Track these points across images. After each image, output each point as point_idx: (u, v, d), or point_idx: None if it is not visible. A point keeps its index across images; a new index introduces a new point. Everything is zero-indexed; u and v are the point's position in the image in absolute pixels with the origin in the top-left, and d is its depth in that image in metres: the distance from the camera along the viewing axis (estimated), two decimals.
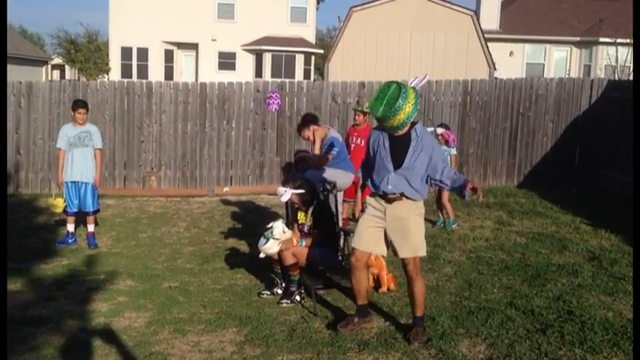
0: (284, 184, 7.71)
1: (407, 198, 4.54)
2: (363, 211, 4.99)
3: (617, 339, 4.59)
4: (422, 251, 4.64)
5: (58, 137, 7.61)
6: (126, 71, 28.10)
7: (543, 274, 6.20)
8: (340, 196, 6.74)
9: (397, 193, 4.52)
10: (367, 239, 4.69)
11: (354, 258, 4.73)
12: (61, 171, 7.48)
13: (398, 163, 4.50)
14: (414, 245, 4.58)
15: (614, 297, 5.53)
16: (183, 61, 29.65)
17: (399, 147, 4.50)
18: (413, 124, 4.50)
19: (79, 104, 7.54)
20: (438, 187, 8.35)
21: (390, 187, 4.52)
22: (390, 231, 4.62)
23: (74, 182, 7.45)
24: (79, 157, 7.40)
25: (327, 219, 5.80)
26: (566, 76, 21.63)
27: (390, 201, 4.56)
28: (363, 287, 4.85)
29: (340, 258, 5.73)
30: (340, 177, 6.43)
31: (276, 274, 5.67)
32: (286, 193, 5.48)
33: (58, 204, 7.58)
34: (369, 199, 4.73)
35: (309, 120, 6.79)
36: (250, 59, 28.57)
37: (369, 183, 4.73)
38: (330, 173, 6.39)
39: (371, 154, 4.69)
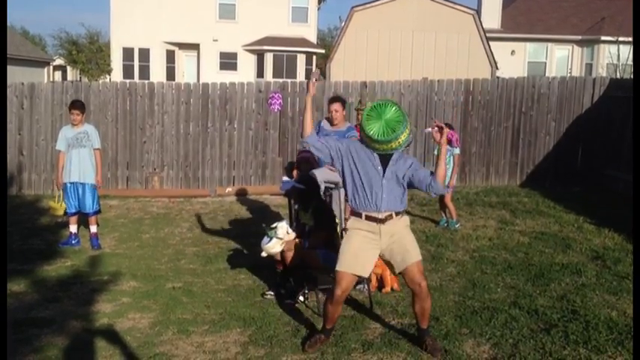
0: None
1: (397, 214, 4.39)
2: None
3: (622, 338, 4.58)
4: (420, 255, 4.53)
5: (57, 139, 7.63)
6: (127, 72, 28.13)
7: (547, 273, 6.19)
8: (343, 195, 6.70)
9: (391, 212, 4.35)
10: (364, 263, 4.39)
11: (343, 288, 4.34)
12: (60, 172, 7.50)
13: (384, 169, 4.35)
14: (416, 249, 4.46)
15: (619, 296, 5.53)
16: (184, 62, 29.65)
17: (384, 159, 4.37)
18: None
19: (74, 105, 7.56)
20: None
21: (383, 205, 4.32)
22: (386, 250, 4.42)
23: (73, 183, 7.46)
24: (76, 158, 7.40)
25: (329, 220, 5.79)
26: (568, 74, 21.61)
27: (383, 221, 4.35)
28: (338, 315, 4.62)
29: None
30: None
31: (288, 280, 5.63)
32: (287, 184, 5.52)
33: (58, 206, 7.58)
34: (356, 223, 4.42)
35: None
36: (252, 59, 28.55)
37: (353, 202, 4.42)
38: (333, 173, 6.35)
39: (355, 163, 4.39)
